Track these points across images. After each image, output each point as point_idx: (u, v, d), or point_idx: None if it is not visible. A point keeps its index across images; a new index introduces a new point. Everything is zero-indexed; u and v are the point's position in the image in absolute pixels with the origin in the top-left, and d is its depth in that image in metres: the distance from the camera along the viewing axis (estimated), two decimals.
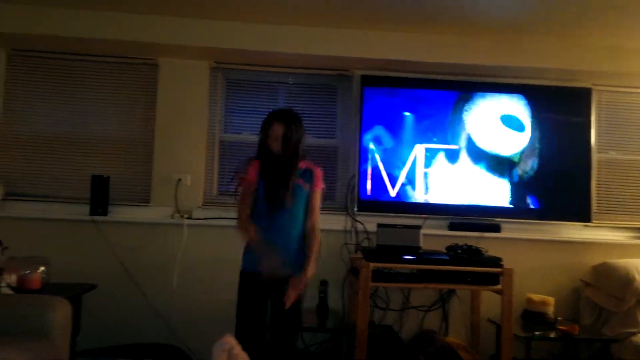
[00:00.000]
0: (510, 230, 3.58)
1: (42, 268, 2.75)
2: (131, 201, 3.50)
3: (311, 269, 2.33)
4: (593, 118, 3.64)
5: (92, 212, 3.35)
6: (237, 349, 1.16)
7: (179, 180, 3.48)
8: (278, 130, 2.36)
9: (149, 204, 3.49)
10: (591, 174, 3.59)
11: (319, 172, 2.46)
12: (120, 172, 3.51)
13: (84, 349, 3.00)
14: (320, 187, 2.46)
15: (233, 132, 3.67)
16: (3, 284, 2.64)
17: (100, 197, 3.36)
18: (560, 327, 3.20)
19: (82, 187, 3.41)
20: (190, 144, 3.54)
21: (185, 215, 3.45)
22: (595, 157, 3.69)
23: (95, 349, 3.04)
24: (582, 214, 3.58)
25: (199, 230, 3.45)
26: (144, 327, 3.32)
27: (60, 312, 2.15)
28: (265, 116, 2.43)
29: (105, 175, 3.39)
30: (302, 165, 2.43)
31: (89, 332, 3.06)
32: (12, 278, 2.67)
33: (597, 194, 3.73)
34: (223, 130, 3.66)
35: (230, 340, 1.14)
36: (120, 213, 3.44)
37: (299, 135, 2.40)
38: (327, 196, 3.63)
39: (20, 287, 2.66)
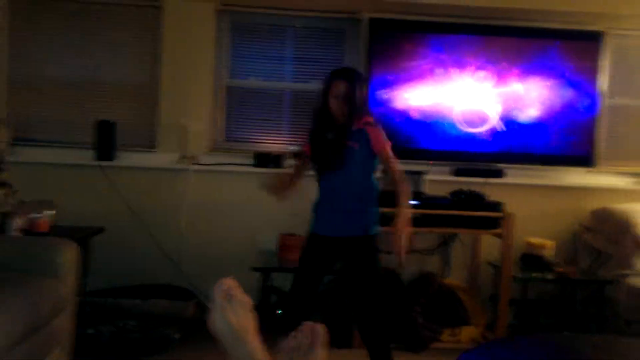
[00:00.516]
0: (514, 176, 3.59)
1: (50, 211, 2.82)
2: (137, 147, 3.52)
3: (405, 208, 2.28)
4: (605, 63, 3.56)
5: (99, 157, 3.39)
6: (236, 291, 1.20)
7: (186, 126, 3.48)
8: (339, 88, 2.28)
9: (155, 150, 3.52)
10: (598, 120, 3.56)
11: (372, 131, 2.31)
12: (126, 117, 3.52)
13: (93, 289, 3.11)
14: (380, 147, 2.31)
15: (240, 78, 3.64)
16: (13, 227, 2.72)
17: (106, 142, 3.39)
18: (558, 270, 3.27)
19: (89, 132, 3.43)
20: (196, 89, 3.53)
21: (192, 161, 3.47)
22: (606, 102, 3.64)
23: (104, 289, 3.15)
24: (586, 160, 3.57)
25: (205, 176, 3.49)
26: (152, 269, 3.42)
27: (68, 253, 2.22)
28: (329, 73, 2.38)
29: (111, 121, 3.40)
30: (357, 125, 2.32)
31: (99, 274, 3.16)
32: (21, 221, 2.74)
33: (603, 139, 3.70)
34: (230, 76, 3.63)
35: (229, 282, 1.18)
36: (127, 158, 3.47)
37: (360, 95, 2.31)
38: None
39: (29, 230, 2.74)
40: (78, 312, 2.37)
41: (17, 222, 2.73)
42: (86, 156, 3.42)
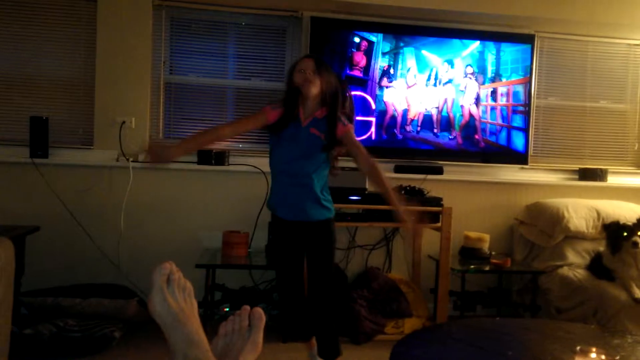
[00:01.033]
0: (453, 172, 3.73)
1: None
2: (73, 144, 3.42)
3: (397, 200, 2.24)
4: (534, 64, 3.76)
5: (32, 155, 3.26)
6: (176, 275, 1.19)
7: (123, 122, 3.40)
8: (307, 64, 2.30)
9: (92, 147, 3.42)
10: (530, 119, 3.75)
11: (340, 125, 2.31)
12: (61, 113, 3.41)
13: (29, 290, 2.99)
14: (343, 131, 2.30)
15: (180, 74, 3.60)
16: None
17: (39, 139, 3.27)
18: (494, 261, 3.42)
19: (22, 128, 3.30)
20: (133, 86, 3.45)
21: (131, 159, 3.40)
22: (534, 102, 3.84)
23: (41, 289, 3.03)
24: (520, 157, 3.75)
25: (144, 173, 3.42)
26: (91, 269, 3.32)
27: (2, 251, 2.12)
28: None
29: (44, 117, 3.28)
30: (321, 113, 2.33)
31: (35, 274, 3.05)
32: None
33: (535, 138, 3.90)
34: (169, 72, 3.58)
35: (169, 266, 1.17)
36: (63, 156, 3.36)
37: (328, 80, 2.31)
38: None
39: None
40: (14, 313, 2.27)
41: None
42: (19, 153, 3.29)
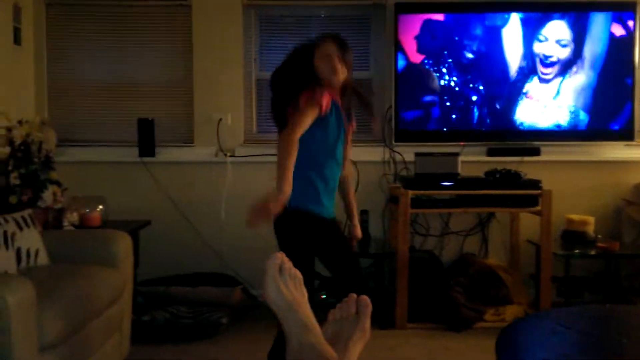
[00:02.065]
0: (551, 153, 3.56)
1: (101, 206, 2.96)
2: (176, 142, 3.64)
3: (356, 216, 2.36)
4: (637, 34, 3.48)
5: (141, 154, 3.52)
6: (288, 264, 1.25)
7: (220, 119, 3.58)
8: (332, 49, 2.02)
9: (193, 144, 3.63)
10: (635, 93, 3.49)
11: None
12: (163, 114, 3.64)
13: (143, 280, 3.25)
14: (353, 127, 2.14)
15: (269, 70, 3.70)
16: (65, 222, 2.87)
17: (147, 139, 3.52)
18: (600, 245, 3.24)
19: (130, 130, 3.57)
20: (228, 84, 3.61)
21: (228, 154, 3.57)
22: (638, 74, 3.56)
23: (153, 279, 3.28)
24: (625, 133, 3.50)
25: (242, 167, 3.58)
26: (196, 258, 3.53)
27: (123, 244, 2.34)
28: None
29: (150, 118, 3.53)
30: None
31: (147, 265, 3.29)
32: (74, 216, 2.88)
33: None
34: (259, 69, 3.70)
35: (281, 256, 1.24)
36: (167, 154, 3.59)
37: (351, 66, 2.08)
38: (364, 129, 3.68)
39: (82, 225, 2.87)
40: (133, 300, 2.49)
41: (71, 218, 2.87)
42: (129, 153, 3.56)
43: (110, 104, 3.67)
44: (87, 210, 2.89)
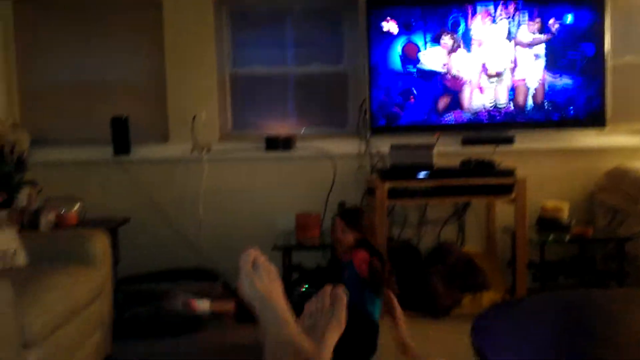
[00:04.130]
0: (525, 141, 3.61)
1: (77, 206, 2.93)
2: (151, 140, 3.62)
3: None
4: (608, 22, 3.55)
5: (116, 152, 3.49)
6: (262, 259, 1.27)
7: (194, 116, 3.56)
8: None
9: (168, 142, 3.61)
10: (606, 80, 3.56)
11: None
12: (137, 112, 3.60)
13: (123, 277, 3.24)
14: None
15: (243, 66, 3.70)
16: (42, 223, 2.84)
17: (121, 137, 3.49)
18: (575, 230, 3.31)
19: (103, 129, 3.53)
20: (201, 81, 3.60)
21: (204, 150, 3.56)
22: (610, 62, 3.63)
23: (134, 275, 3.28)
24: (597, 120, 3.57)
25: (218, 163, 3.58)
26: (176, 254, 3.53)
27: (100, 242, 2.33)
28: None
29: (123, 117, 3.50)
30: None
31: (127, 262, 3.27)
32: (51, 216, 2.86)
33: (613, 99, 3.70)
34: (233, 65, 3.69)
35: (254, 252, 1.25)
36: (142, 152, 3.57)
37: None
38: (339, 122, 3.71)
39: (59, 225, 2.85)
40: (114, 298, 2.49)
41: (47, 218, 2.85)
42: (104, 152, 3.53)
43: (83, 103, 3.63)
44: (64, 210, 2.87)
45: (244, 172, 3.62)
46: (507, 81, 3.51)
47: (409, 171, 3.23)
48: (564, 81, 3.53)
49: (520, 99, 3.52)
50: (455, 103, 3.51)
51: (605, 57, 3.54)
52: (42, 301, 1.84)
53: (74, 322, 2.04)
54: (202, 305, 2.44)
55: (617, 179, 3.49)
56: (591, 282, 3.45)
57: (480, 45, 3.49)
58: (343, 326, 1.30)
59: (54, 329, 1.87)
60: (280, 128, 3.68)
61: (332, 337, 1.27)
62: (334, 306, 1.32)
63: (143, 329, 2.86)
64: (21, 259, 2.28)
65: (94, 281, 2.21)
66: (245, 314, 1.70)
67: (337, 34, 3.69)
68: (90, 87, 3.62)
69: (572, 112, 3.55)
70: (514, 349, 1.62)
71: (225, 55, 3.66)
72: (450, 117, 3.51)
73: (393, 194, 3.22)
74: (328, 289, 1.34)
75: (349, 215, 2.54)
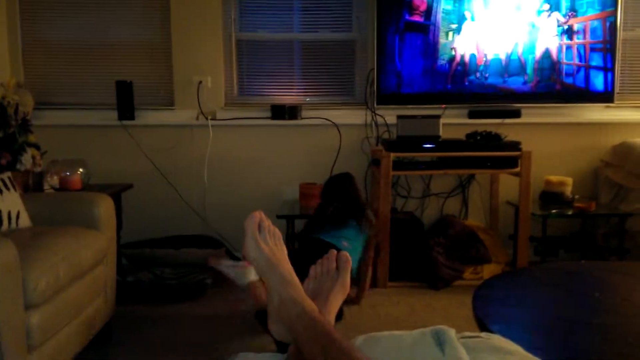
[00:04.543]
0: (531, 115, 3.59)
1: (81, 170, 2.93)
2: (156, 105, 3.59)
3: None
4: None
5: (120, 117, 3.47)
6: (267, 222, 1.27)
7: (200, 82, 3.53)
8: None
9: (173, 107, 3.59)
10: (616, 54, 3.50)
11: None
12: (142, 77, 3.58)
13: (126, 242, 3.26)
14: None
15: (249, 31, 3.65)
16: (46, 186, 2.84)
17: (126, 102, 3.47)
18: (577, 205, 3.31)
19: (108, 93, 3.51)
20: (207, 45, 3.55)
21: (209, 117, 3.54)
22: (620, 35, 3.57)
23: (137, 241, 3.29)
24: (605, 95, 3.54)
25: (223, 130, 3.56)
26: (179, 221, 3.55)
27: (104, 206, 2.33)
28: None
29: (128, 81, 3.47)
30: None
31: (130, 228, 3.29)
32: (54, 180, 2.86)
33: (621, 73, 3.65)
34: (239, 29, 3.64)
35: (259, 214, 1.25)
36: (147, 117, 3.56)
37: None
38: (346, 91, 3.67)
39: (62, 188, 2.85)
40: (117, 264, 2.50)
41: (51, 181, 2.85)
42: (108, 116, 3.51)
43: (87, 66, 3.59)
44: (68, 174, 2.86)
45: (249, 140, 3.61)
46: (515, 54, 3.46)
47: (415, 142, 3.22)
48: (573, 55, 3.48)
49: (527, 71, 3.48)
50: (463, 75, 3.46)
51: (617, 30, 3.48)
52: (45, 262, 1.84)
53: (78, 284, 2.05)
54: (248, 272, 2.40)
55: (622, 155, 3.47)
56: (592, 257, 3.46)
57: (490, 17, 3.43)
58: (348, 289, 1.31)
59: (57, 291, 1.89)
60: (286, 96, 3.65)
61: (337, 300, 1.28)
62: (339, 270, 1.33)
63: (145, 294, 2.90)
64: (25, 220, 2.29)
65: (98, 244, 2.21)
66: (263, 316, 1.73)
67: (345, 0, 3.62)
68: (95, 49, 3.57)
69: (580, 86, 3.51)
70: (515, 318, 1.64)
71: (232, 20, 3.60)
72: (458, 89, 3.47)
73: (398, 165, 3.21)
74: (334, 252, 1.35)
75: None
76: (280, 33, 3.64)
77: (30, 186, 2.77)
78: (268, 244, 1.23)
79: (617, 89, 3.58)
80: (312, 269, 1.33)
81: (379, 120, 3.60)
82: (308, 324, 1.06)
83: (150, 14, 3.56)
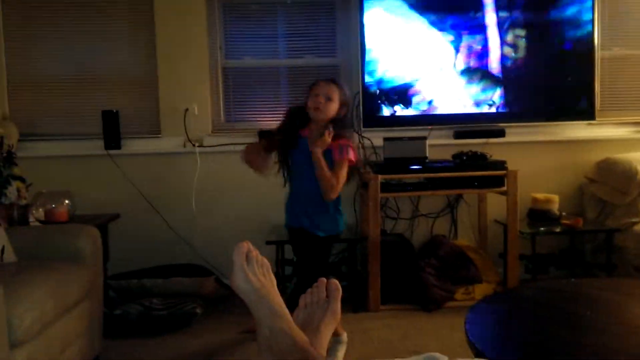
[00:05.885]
0: (515, 134, 3.63)
1: (67, 201, 2.90)
2: (143, 133, 3.59)
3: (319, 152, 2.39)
4: (596, 15, 3.56)
5: (107, 147, 3.46)
6: (255, 252, 1.26)
7: (187, 109, 3.53)
8: (321, 89, 2.43)
9: (160, 135, 3.58)
10: (595, 72, 3.57)
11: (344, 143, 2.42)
12: (129, 105, 3.58)
13: (114, 273, 3.21)
14: (342, 157, 2.40)
15: (235, 58, 3.68)
16: (31, 219, 2.80)
17: (112, 131, 3.46)
18: (565, 222, 3.34)
19: (94, 122, 3.50)
20: (193, 73, 3.57)
21: (197, 144, 3.54)
22: (598, 54, 3.65)
23: (124, 272, 3.25)
24: (586, 113, 3.59)
25: (211, 157, 3.56)
26: (168, 250, 3.51)
27: (90, 238, 2.30)
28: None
29: (114, 110, 3.46)
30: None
31: (118, 258, 3.25)
32: (40, 212, 2.82)
33: (601, 91, 3.72)
34: (225, 57, 3.66)
35: (247, 245, 1.24)
36: (134, 146, 3.54)
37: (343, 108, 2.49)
38: None
39: (48, 220, 2.81)
40: (104, 296, 2.46)
41: (36, 214, 2.81)
42: (94, 146, 3.50)
43: (73, 97, 3.59)
44: (53, 206, 2.83)
45: (237, 166, 3.57)
46: (497, 74, 3.51)
47: (402, 164, 3.24)
48: (554, 74, 3.54)
49: (510, 91, 3.53)
50: (447, 96, 3.51)
51: (595, 49, 3.55)
52: (31, 298, 1.81)
53: (64, 319, 2.01)
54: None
55: (606, 171, 3.52)
56: (581, 273, 3.48)
57: (471, 38, 3.49)
58: (339, 318, 1.30)
59: (43, 327, 1.85)
60: (273, 121, 3.65)
61: (328, 329, 1.27)
62: (329, 298, 1.31)
63: (134, 327, 2.84)
64: (10, 255, 2.25)
65: (84, 278, 2.18)
66: None
67: (329, 26, 3.67)
68: (80, 79, 3.58)
69: (561, 104, 3.56)
70: (508, 340, 1.63)
71: (218, 47, 3.63)
72: (442, 111, 3.51)
73: (386, 187, 3.22)
74: (323, 281, 1.34)
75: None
76: (265, 59, 3.67)
77: (16, 219, 2.73)
78: (256, 275, 1.21)
79: (598, 106, 3.64)
80: (301, 299, 1.32)
81: (366, 143, 3.61)
82: (299, 357, 1.04)
83: (136, 43, 3.58)
